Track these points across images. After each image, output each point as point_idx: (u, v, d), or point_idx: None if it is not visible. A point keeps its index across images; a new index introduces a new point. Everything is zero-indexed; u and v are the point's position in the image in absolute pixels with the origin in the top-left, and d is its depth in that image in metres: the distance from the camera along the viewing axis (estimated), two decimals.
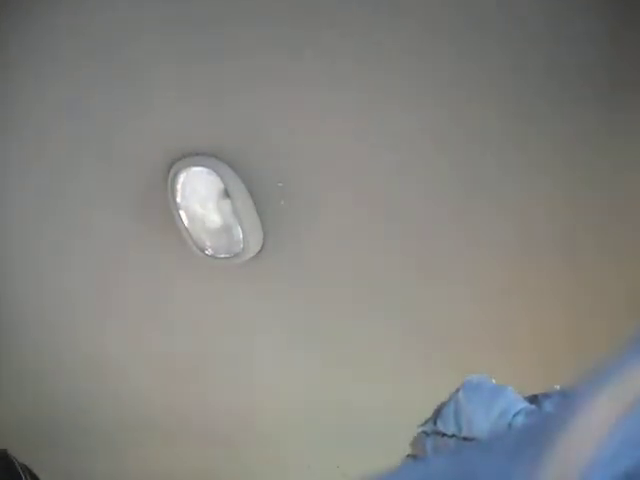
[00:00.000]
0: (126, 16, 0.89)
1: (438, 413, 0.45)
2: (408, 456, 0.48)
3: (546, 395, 0.45)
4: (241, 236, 0.97)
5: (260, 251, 1.01)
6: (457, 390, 0.45)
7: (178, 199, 0.98)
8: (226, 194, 0.96)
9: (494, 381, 0.45)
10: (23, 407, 1.30)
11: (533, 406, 0.42)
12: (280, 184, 0.95)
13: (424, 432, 0.46)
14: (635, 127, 0.77)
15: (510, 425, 0.40)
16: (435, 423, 0.45)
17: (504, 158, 0.83)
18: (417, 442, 0.46)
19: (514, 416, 0.40)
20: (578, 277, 0.87)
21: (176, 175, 0.96)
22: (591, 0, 0.70)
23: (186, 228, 0.99)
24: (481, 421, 0.41)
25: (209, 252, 1.01)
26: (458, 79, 0.79)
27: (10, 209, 1.12)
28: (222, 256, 1.01)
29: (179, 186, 0.97)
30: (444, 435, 0.44)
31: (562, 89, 0.75)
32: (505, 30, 0.74)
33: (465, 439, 0.42)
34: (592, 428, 0.19)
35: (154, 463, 1.28)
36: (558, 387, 0.46)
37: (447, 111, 0.81)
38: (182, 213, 0.99)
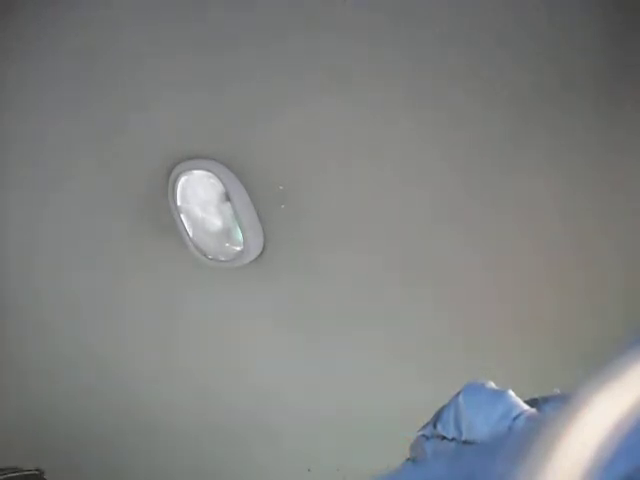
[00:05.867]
0: (126, 17, 0.89)
1: (438, 416, 0.45)
2: (408, 459, 0.48)
3: (546, 398, 0.45)
4: (242, 239, 0.97)
5: (261, 254, 1.01)
6: (457, 394, 0.45)
7: (179, 202, 0.98)
8: (227, 197, 0.96)
9: (494, 385, 0.45)
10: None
11: (533, 409, 0.42)
12: (281, 187, 0.95)
13: (424, 435, 0.45)
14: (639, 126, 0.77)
15: (510, 428, 0.40)
16: (435, 426, 0.45)
17: (505, 158, 0.84)
18: (417, 445, 0.46)
19: (514, 419, 0.40)
20: (581, 278, 0.87)
21: (177, 178, 0.96)
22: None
23: (187, 231, 1.00)
24: (481, 425, 0.41)
25: (210, 255, 1.01)
26: (459, 80, 0.79)
27: (9, 211, 1.12)
28: (223, 259, 1.01)
29: (179, 189, 0.97)
30: (444, 439, 0.44)
31: (564, 87, 0.75)
32: (505, 29, 0.74)
33: (465, 443, 0.42)
34: (592, 430, 0.19)
35: (152, 463, 1.28)
36: (558, 390, 0.46)
37: (448, 113, 0.81)
38: (183, 216, 0.99)
